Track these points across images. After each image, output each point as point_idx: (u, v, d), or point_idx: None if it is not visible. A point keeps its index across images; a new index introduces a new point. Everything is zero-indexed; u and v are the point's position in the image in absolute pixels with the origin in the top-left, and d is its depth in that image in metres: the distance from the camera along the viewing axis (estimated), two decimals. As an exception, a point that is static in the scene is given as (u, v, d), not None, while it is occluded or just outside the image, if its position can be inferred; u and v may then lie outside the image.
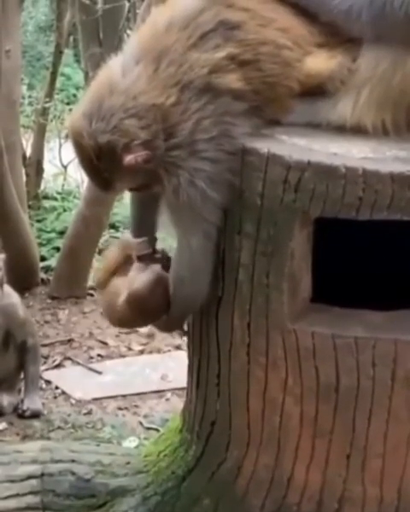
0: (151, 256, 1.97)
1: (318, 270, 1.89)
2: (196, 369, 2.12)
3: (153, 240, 2.02)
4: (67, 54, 8.15)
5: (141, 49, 1.77)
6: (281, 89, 1.78)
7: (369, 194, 1.70)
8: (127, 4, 7.04)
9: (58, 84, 7.08)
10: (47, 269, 4.89)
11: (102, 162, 1.76)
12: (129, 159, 1.72)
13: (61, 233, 5.33)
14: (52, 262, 4.97)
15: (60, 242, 5.06)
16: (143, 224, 2.05)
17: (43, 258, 4.98)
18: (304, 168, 1.72)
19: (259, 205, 1.79)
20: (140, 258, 1.97)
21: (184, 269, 1.87)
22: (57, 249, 5.09)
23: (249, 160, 1.77)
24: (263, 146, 1.76)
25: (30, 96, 7.51)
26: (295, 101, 1.80)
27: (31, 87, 8.17)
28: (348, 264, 2.11)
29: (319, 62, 1.76)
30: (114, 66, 1.79)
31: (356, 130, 1.79)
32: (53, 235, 5.59)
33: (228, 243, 1.87)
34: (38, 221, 5.80)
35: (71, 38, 8.18)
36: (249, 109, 1.76)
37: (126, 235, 2.08)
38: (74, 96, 9.10)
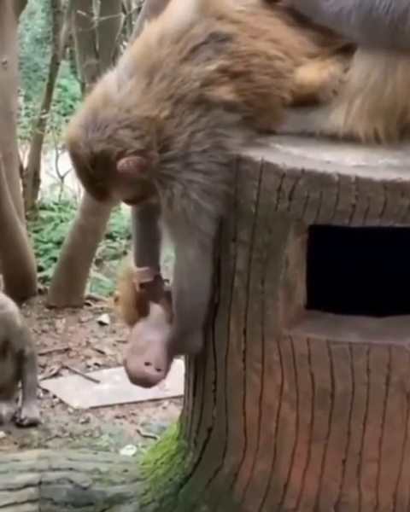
0: (154, 284, 2.00)
1: (312, 277, 1.91)
2: (193, 376, 2.14)
3: (156, 268, 2.04)
4: (64, 65, 8.20)
5: (134, 63, 1.80)
6: (273, 99, 1.80)
7: (362, 201, 1.73)
8: (123, 16, 7.10)
9: (55, 96, 7.13)
10: (44, 279, 4.91)
11: (96, 171, 1.79)
12: (122, 163, 1.75)
13: (58, 243, 5.35)
14: (49, 272, 4.98)
15: (57, 253, 5.07)
16: (146, 252, 2.06)
17: (40, 269, 4.99)
18: (298, 176, 1.74)
19: (253, 213, 1.81)
20: (142, 286, 2.00)
21: (183, 281, 1.89)
22: (54, 260, 5.10)
23: (244, 168, 1.79)
24: (257, 154, 1.78)
25: (27, 108, 7.55)
26: (288, 112, 1.83)
27: (27, 98, 8.21)
28: (342, 271, 2.13)
29: (311, 73, 1.79)
30: (109, 79, 1.83)
31: (349, 139, 1.81)
32: (50, 245, 5.61)
33: (223, 251, 1.89)
34: (35, 232, 5.82)
35: (67, 50, 8.25)
36: (242, 120, 1.79)
37: (131, 263, 2.10)
38: (71, 107, 9.14)
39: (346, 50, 1.83)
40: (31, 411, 3.31)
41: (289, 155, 1.78)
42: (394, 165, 1.75)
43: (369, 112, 1.77)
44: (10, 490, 2.44)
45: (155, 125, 1.75)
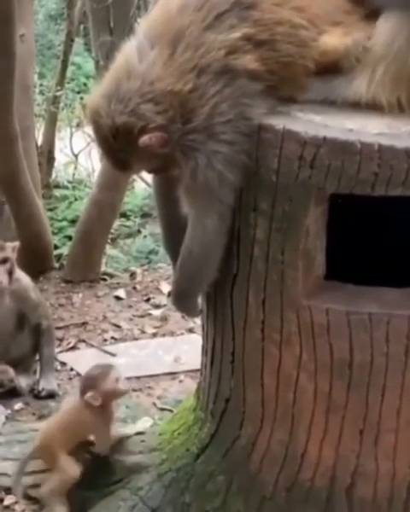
0: None
1: (332, 248, 1.90)
2: (211, 347, 2.14)
3: None
4: (78, 42, 8.12)
5: (155, 32, 1.77)
6: (297, 68, 1.78)
7: (384, 169, 1.71)
8: (138, -7, 7.02)
9: (69, 73, 7.07)
10: (59, 257, 4.91)
11: (118, 142, 1.78)
12: (144, 139, 1.73)
13: (73, 221, 5.34)
14: (64, 250, 4.98)
15: (71, 231, 5.06)
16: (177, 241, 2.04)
17: (55, 247, 4.99)
18: (319, 144, 1.72)
19: (274, 182, 1.80)
20: None
21: (195, 244, 1.88)
22: (69, 238, 5.10)
23: (265, 136, 1.78)
24: (279, 122, 1.77)
25: (41, 85, 7.51)
26: (311, 80, 1.81)
27: (42, 76, 8.16)
28: (362, 242, 2.12)
29: (335, 40, 1.77)
30: (130, 49, 1.80)
31: (372, 107, 1.79)
32: (64, 223, 5.60)
33: (243, 220, 1.88)
34: (50, 210, 5.81)
35: (81, 27, 8.16)
36: (265, 89, 1.77)
37: None
38: (85, 85, 9.08)
39: (370, 18, 1.81)
40: (48, 383, 3.33)
41: (310, 123, 1.77)
42: (417, 134, 1.73)
43: (392, 79, 1.75)
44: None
45: (179, 98, 1.73)
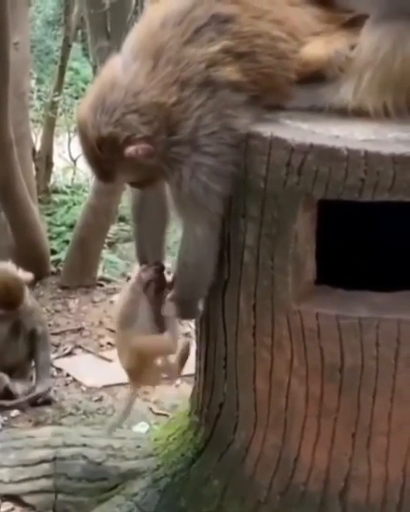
0: (160, 279, 2.06)
1: (322, 253, 1.91)
2: (204, 352, 2.16)
3: (160, 264, 2.08)
4: (76, 48, 8.15)
5: (138, 45, 1.80)
6: (279, 79, 1.80)
7: (371, 175, 1.72)
8: (134, -3, 7.03)
9: (67, 79, 7.10)
10: (57, 262, 4.92)
11: (103, 153, 1.79)
12: (130, 150, 1.75)
13: (71, 226, 5.36)
14: (62, 255, 4.99)
15: (70, 236, 5.08)
16: (148, 246, 2.11)
17: (53, 252, 5.00)
18: (307, 151, 1.74)
19: (263, 188, 1.81)
20: (149, 284, 2.05)
21: (189, 255, 1.91)
22: (67, 243, 5.11)
23: (253, 143, 1.80)
24: (266, 130, 1.79)
25: (39, 91, 7.53)
26: (297, 87, 1.82)
27: (39, 81, 8.18)
28: (352, 246, 2.13)
29: (317, 49, 1.78)
30: (116, 62, 1.83)
31: (358, 114, 1.81)
32: (63, 228, 5.62)
33: (233, 226, 1.90)
34: (48, 215, 5.82)
35: (79, 32, 8.18)
36: (249, 100, 1.79)
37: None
38: (83, 90, 9.09)
39: (350, 26, 1.82)
40: (44, 389, 3.34)
41: (298, 130, 1.78)
42: (403, 139, 1.74)
43: (379, 85, 1.77)
44: (26, 465, 2.49)
45: (164, 111, 1.75)
